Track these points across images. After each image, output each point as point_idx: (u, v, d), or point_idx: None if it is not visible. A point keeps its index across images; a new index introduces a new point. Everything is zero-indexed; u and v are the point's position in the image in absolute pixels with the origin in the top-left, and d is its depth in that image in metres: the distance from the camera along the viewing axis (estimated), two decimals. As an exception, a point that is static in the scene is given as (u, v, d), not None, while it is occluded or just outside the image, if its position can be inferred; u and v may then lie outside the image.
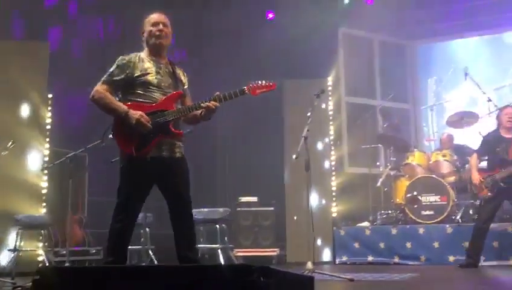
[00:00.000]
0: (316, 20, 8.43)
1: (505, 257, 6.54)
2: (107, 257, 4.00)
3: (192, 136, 4.79)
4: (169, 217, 3.98)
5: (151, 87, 3.99)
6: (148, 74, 4.00)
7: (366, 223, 7.69)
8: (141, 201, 4.02)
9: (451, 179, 7.57)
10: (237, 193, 8.38)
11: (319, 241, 7.69)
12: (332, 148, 8.35)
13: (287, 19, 8.62)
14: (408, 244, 7.05)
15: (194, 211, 4.06)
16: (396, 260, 7.07)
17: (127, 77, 3.98)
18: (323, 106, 8.19)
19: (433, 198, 7.28)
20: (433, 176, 7.44)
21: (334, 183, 8.23)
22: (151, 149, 3.90)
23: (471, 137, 7.94)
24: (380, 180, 7.94)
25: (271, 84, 4.10)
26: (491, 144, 6.43)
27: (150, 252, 7.03)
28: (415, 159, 7.78)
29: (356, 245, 7.34)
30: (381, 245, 7.18)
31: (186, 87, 4.22)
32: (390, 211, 7.79)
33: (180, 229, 3.93)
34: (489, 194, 6.22)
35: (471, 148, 7.45)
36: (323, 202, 8.02)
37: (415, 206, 7.32)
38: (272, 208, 7.96)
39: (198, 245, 6.34)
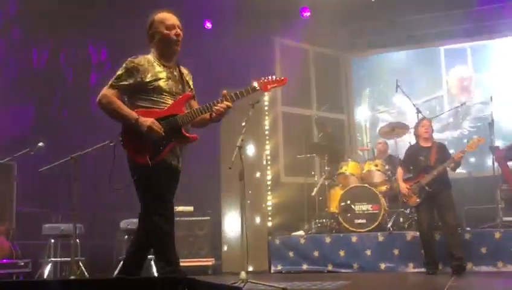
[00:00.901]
0: (253, 30, 8.49)
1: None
2: (160, 263, 3.67)
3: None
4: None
5: (163, 93, 3.78)
6: (160, 79, 3.78)
7: (301, 232, 7.76)
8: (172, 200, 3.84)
9: (383, 188, 7.78)
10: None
11: (254, 251, 7.69)
12: (269, 157, 8.40)
13: (224, 28, 8.64)
14: (341, 253, 7.16)
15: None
16: (330, 268, 7.16)
17: (137, 82, 3.73)
18: (260, 116, 8.24)
19: (365, 207, 7.44)
20: (366, 185, 7.61)
21: (270, 192, 8.28)
22: (165, 156, 3.73)
23: (404, 147, 8.18)
24: (315, 189, 8.06)
25: (282, 78, 4.04)
26: (414, 156, 6.72)
27: (80, 264, 6.83)
28: (348, 168, 7.94)
29: (291, 254, 7.39)
30: (316, 253, 7.26)
31: (192, 88, 4.04)
32: (324, 220, 7.90)
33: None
34: (418, 200, 6.44)
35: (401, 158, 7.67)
36: (259, 211, 8.04)
37: (348, 214, 7.45)
38: (208, 218, 7.92)
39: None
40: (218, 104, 3.79)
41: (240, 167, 5.30)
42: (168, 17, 3.85)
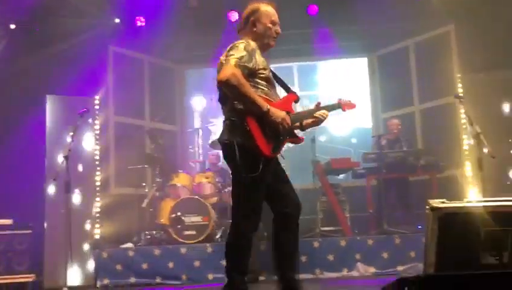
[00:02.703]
0: (85, 37, 8.23)
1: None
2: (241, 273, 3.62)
3: None
4: None
5: (272, 84, 3.66)
6: (267, 69, 3.63)
7: (129, 245, 7.61)
8: None
9: (213, 200, 7.95)
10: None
11: (79, 265, 7.40)
12: (98, 168, 8.15)
13: (55, 32, 8.26)
14: (170, 264, 7.15)
15: None
16: (158, 280, 7.10)
17: (253, 66, 3.51)
18: (90, 126, 7.98)
19: (195, 218, 7.53)
20: (196, 197, 7.72)
21: (98, 204, 8.02)
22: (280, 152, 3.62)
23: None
24: (146, 200, 7.98)
25: (354, 104, 4.17)
26: None
27: None
28: (179, 180, 7.99)
29: (118, 267, 7.21)
30: (144, 266, 7.17)
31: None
32: (154, 232, 7.84)
33: None
34: None
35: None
36: (86, 223, 7.76)
37: (179, 226, 7.49)
38: (29, 231, 7.42)
39: None
40: (321, 112, 3.83)
41: (66, 178, 5.09)
42: (274, 13, 3.79)
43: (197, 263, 7.13)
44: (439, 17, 8.52)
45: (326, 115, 3.91)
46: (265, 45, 3.78)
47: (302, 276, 6.81)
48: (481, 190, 5.20)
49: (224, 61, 3.54)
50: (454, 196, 7.36)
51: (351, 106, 4.22)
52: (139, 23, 8.89)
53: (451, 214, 3.08)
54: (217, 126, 10.05)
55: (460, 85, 8.26)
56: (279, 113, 3.54)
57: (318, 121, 3.88)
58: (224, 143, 3.58)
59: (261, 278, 6.75)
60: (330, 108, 4.03)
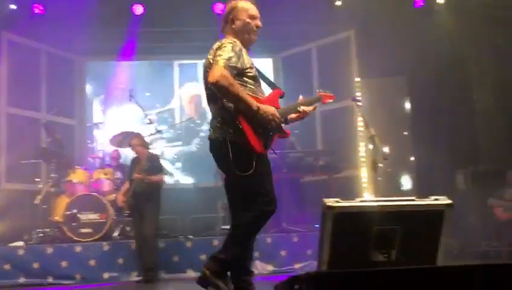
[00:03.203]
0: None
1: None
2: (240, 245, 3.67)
3: None
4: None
5: (258, 82, 3.76)
6: (253, 68, 3.73)
7: (20, 243, 7.22)
8: None
9: (112, 197, 7.70)
10: None
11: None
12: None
13: None
14: (64, 263, 6.85)
15: None
16: (50, 280, 6.78)
17: (241, 66, 3.61)
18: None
19: (92, 216, 7.28)
20: (94, 193, 7.46)
21: (-13, 200, 7.55)
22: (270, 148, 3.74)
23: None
24: (39, 197, 7.59)
25: (332, 95, 4.26)
26: (132, 166, 7.07)
27: None
28: (76, 176, 7.69)
29: (7, 267, 6.81)
30: (35, 265, 6.82)
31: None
32: (48, 229, 7.48)
33: None
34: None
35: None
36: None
37: (74, 224, 7.20)
38: None
39: None
40: (304, 107, 3.92)
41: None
42: (252, 7, 3.84)
43: (92, 262, 6.90)
44: (341, 23, 8.80)
45: (310, 110, 4.02)
46: (247, 39, 3.82)
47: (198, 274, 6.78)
48: (375, 190, 5.40)
49: (212, 61, 3.60)
50: (352, 196, 7.63)
51: (330, 97, 4.31)
52: (36, 11, 8.44)
53: (344, 213, 3.17)
54: (116, 122, 9.76)
55: (358, 89, 8.57)
56: (269, 110, 3.63)
57: (302, 115, 3.99)
58: (216, 140, 3.65)
59: (162, 276, 6.71)
60: (313, 101, 4.12)
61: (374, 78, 8.74)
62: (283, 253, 6.98)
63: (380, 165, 3.98)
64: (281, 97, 3.95)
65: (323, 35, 9.37)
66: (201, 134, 10.03)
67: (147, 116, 8.00)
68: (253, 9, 3.86)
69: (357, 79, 8.70)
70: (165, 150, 9.86)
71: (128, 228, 7.47)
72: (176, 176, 10.10)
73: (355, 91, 8.50)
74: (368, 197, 7.55)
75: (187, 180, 10.05)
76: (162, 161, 7.37)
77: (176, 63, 10.30)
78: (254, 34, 3.84)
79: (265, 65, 10.42)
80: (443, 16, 8.56)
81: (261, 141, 3.64)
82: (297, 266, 6.87)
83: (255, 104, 3.57)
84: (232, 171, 3.56)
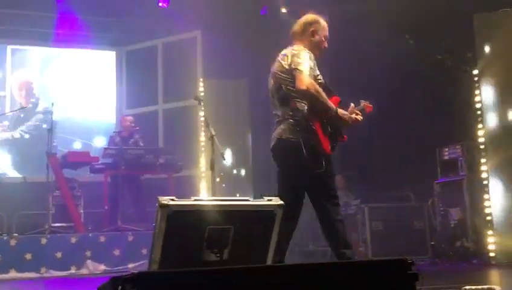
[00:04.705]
0: None
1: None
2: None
3: None
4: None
5: (323, 88, 3.90)
6: (320, 76, 3.98)
7: None
8: None
9: None
10: None
11: None
12: None
13: None
14: None
15: None
16: None
17: (316, 75, 3.92)
18: None
19: None
20: None
21: None
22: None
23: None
24: None
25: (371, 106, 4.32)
26: None
27: None
28: None
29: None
30: None
31: None
32: None
33: None
34: None
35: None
36: None
37: None
38: None
39: None
40: (358, 116, 4.04)
41: None
42: (327, 28, 4.12)
43: None
44: (188, 23, 8.79)
45: (360, 119, 4.15)
46: (315, 54, 4.03)
47: (28, 275, 6.35)
48: (213, 190, 5.43)
49: (288, 67, 3.89)
50: (191, 195, 7.61)
51: (370, 107, 4.41)
52: None
53: (179, 212, 3.12)
54: None
55: (202, 89, 8.60)
56: (344, 115, 3.96)
57: (356, 122, 4.11)
58: (288, 141, 3.84)
59: None
60: (359, 110, 4.21)
61: (218, 79, 8.84)
62: (117, 252, 6.76)
63: (223, 163, 4.01)
64: (339, 103, 4.12)
65: (169, 33, 9.29)
66: (29, 123, 9.40)
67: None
68: (327, 28, 4.16)
69: (201, 79, 8.74)
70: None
71: None
72: (4, 169, 9.33)
73: (199, 91, 8.53)
74: (204, 196, 7.61)
75: (15, 173, 9.33)
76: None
77: (9, 48, 9.53)
78: (321, 53, 4.12)
79: (108, 58, 10.08)
80: (287, 23, 8.91)
81: (328, 142, 3.89)
82: (131, 265, 6.70)
83: (334, 108, 3.90)
84: (307, 170, 3.79)
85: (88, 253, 6.59)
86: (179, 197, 3.22)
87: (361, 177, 8.74)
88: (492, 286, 2.96)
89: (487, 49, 6.45)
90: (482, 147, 6.54)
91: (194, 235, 3.19)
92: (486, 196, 6.36)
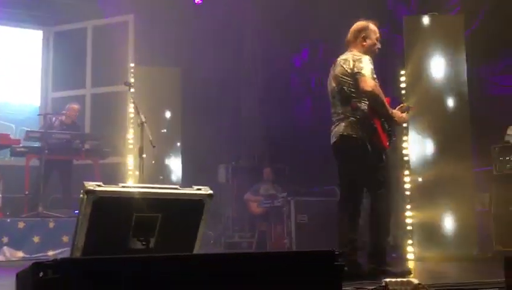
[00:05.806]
0: None
1: None
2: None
3: None
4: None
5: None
6: (376, 77, 4.27)
7: None
8: None
9: None
10: None
11: None
12: None
13: None
14: None
15: None
16: None
17: (373, 76, 4.22)
18: None
19: None
20: None
21: None
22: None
23: None
24: None
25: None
26: None
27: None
28: None
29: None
30: None
31: None
32: None
33: None
34: None
35: None
36: None
37: None
38: None
39: None
40: (404, 114, 4.50)
41: None
42: (377, 30, 4.47)
43: None
44: (121, 6, 8.57)
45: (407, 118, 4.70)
46: (373, 57, 4.37)
47: None
48: (141, 178, 5.34)
49: (350, 70, 4.25)
50: (119, 182, 7.44)
51: (413, 108, 5.16)
52: None
53: (105, 198, 3.06)
54: None
55: (132, 75, 8.42)
56: (399, 114, 4.40)
57: (404, 121, 4.65)
58: (349, 137, 4.24)
59: None
60: (405, 110, 4.59)
61: (150, 66, 8.69)
62: (36, 239, 6.50)
63: (152, 150, 3.92)
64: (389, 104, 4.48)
65: (100, 16, 9.03)
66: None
67: None
68: (378, 33, 4.48)
69: (132, 65, 8.55)
70: None
71: None
72: None
73: (130, 77, 8.33)
74: (130, 183, 7.46)
75: None
76: None
77: None
78: (374, 54, 4.43)
79: (34, 37, 9.67)
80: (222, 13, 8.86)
81: (387, 138, 4.29)
82: (51, 253, 6.47)
83: (390, 108, 4.31)
84: (368, 163, 4.24)
85: (5, 239, 6.30)
86: (107, 184, 3.14)
87: (290, 170, 8.88)
88: (411, 279, 3.08)
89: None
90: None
91: (120, 223, 3.14)
92: (407, 193, 6.54)
